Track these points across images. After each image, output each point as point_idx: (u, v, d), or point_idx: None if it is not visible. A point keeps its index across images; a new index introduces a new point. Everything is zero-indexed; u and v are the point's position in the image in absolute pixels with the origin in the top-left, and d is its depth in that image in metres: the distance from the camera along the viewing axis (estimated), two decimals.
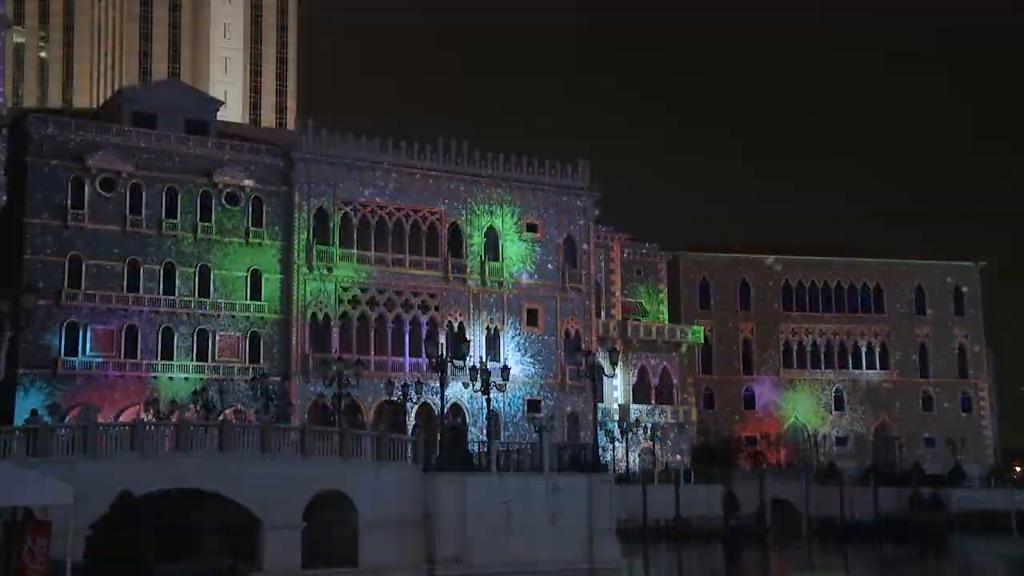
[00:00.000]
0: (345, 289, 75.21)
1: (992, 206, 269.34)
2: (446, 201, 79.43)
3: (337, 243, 75.22)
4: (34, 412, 58.98)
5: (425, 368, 69.67)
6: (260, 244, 73.36)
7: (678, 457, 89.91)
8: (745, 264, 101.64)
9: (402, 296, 76.95)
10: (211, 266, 71.58)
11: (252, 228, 73.20)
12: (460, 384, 74.12)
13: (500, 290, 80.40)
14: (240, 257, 72.67)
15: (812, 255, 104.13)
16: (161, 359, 69.15)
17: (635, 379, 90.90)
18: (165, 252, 70.32)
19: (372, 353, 74.13)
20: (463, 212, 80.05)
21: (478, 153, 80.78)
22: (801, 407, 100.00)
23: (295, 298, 73.39)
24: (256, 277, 73.12)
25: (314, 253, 74.03)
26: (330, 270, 74.65)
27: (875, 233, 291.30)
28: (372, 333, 75.43)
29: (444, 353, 49.68)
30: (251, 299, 72.56)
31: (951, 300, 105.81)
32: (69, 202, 67.75)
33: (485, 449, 45.08)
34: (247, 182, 72.98)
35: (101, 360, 67.24)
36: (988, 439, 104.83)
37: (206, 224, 71.81)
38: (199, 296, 70.93)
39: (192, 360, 69.99)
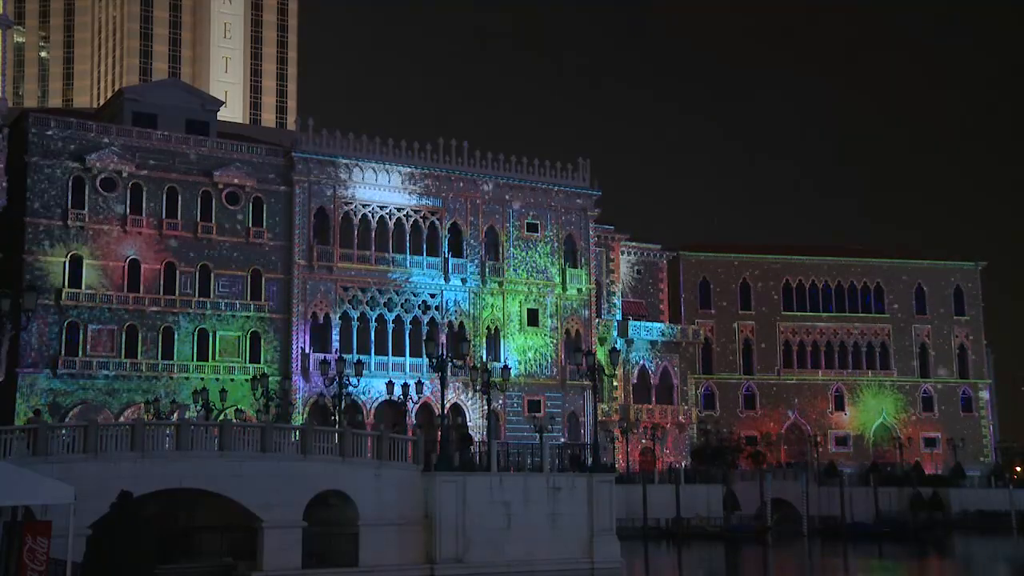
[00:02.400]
0: (345, 289, 75.23)
1: (992, 206, 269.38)
2: (446, 201, 79.47)
3: (337, 243, 75.25)
4: (37, 412, 59.05)
5: (425, 368, 69.71)
6: (260, 244, 73.38)
7: (679, 456, 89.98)
8: (745, 264, 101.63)
9: (402, 296, 76.98)
10: (211, 266, 71.57)
11: (252, 228, 73.22)
12: (460, 384, 74.55)
13: (500, 290, 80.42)
14: (240, 257, 72.68)
15: (812, 255, 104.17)
16: (161, 359, 69.17)
17: (635, 379, 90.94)
18: (165, 252, 70.32)
19: (372, 353, 74.15)
20: (463, 212, 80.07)
21: (478, 153, 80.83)
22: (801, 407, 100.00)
23: (295, 298, 73.44)
24: (256, 277, 73.14)
25: (314, 253, 74.07)
26: (330, 270, 74.70)
27: (875, 233, 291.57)
28: (372, 333, 75.44)
29: (444, 353, 49.65)
30: (251, 299, 72.57)
31: (951, 300, 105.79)
32: (69, 202, 67.78)
33: (485, 449, 45.10)
34: (247, 182, 72.99)
35: (101, 360, 67.23)
36: (988, 439, 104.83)
37: (206, 224, 71.82)
38: (199, 296, 70.93)
39: (192, 360, 69.98)
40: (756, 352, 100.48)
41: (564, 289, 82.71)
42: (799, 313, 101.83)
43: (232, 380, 69.45)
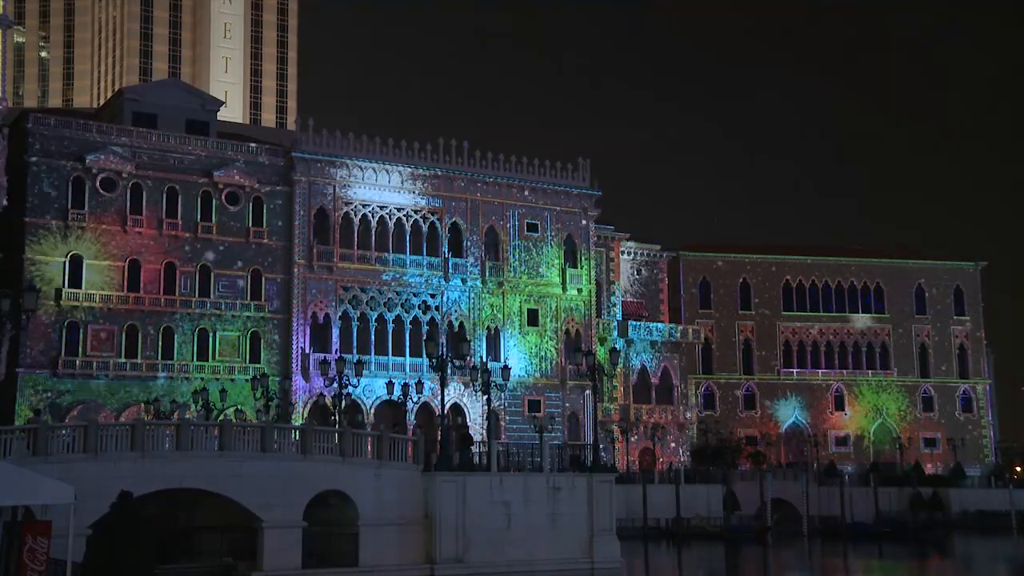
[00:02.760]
0: (345, 289, 75.21)
1: (992, 206, 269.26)
2: (446, 201, 79.48)
3: (337, 243, 75.24)
4: (37, 412, 59.01)
5: (425, 368, 69.67)
6: (260, 244, 73.37)
7: (679, 456, 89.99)
8: (745, 264, 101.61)
9: (402, 296, 76.96)
10: (211, 266, 71.55)
11: (252, 228, 73.19)
12: (460, 384, 74.56)
13: (500, 290, 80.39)
14: (240, 257, 72.68)
15: (812, 255, 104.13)
16: (161, 359, 69.15)
17: (635, 379, 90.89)
18: (165, 252, 70.30)
19: (372, 353, 74.12)
20: (463, 212, 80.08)
21: (478, 153, 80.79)
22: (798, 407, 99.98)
23: (295, 298, 73.47)
24: (256, 277, 73.12)
25: (314, 253, 74.05)
26: (330, 270, 74.69)
27: (875, 233, 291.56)
28: (372, 333, 75.42)
29: (444, 353, 49.62)
30: (251, 299, 72.55)
31: (951, 300, 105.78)
32: (69, 202, 67.75)
33: (485, 449, 45.08)
34: (247, 182, 72.96)
35: (101, 360, 67.22)
36: (988, 439, 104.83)
37: (206, 224, 71.81)
38: (199, 296, 70.92)
39: (192, 360, 69.96)
40: (756, 352, 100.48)
41: (564, 289, 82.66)
42: (799, 313, 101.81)
43: (232, 380, 69.40)
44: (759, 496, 79.82)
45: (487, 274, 79.88)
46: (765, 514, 77.85)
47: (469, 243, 79.80)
